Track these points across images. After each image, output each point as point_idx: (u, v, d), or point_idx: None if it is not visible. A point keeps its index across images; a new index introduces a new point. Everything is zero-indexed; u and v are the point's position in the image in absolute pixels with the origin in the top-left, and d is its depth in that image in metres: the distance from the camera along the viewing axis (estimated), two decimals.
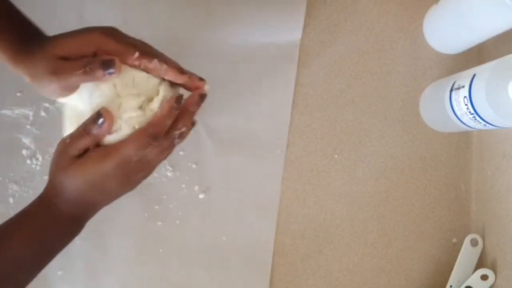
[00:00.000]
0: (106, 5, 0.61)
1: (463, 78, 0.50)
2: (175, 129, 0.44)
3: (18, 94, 0.59)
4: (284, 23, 0.62)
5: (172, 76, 0.44)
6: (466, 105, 0.49)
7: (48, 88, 0.42)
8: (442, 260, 0.61)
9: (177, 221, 0.60)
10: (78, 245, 0.59)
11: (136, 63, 0.43)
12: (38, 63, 0.41)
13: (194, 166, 0.60)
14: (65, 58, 0.41)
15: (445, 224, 0.62)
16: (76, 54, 0.41)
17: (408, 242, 0.61)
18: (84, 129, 0.42)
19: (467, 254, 0.59)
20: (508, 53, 0.47)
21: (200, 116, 0.60)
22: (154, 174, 0.59)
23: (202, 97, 0.46)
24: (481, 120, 0.48)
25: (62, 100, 0.44)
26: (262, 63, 0.61)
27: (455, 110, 0.52)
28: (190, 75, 0.46)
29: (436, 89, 0.59)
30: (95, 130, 0.41)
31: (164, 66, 0.44)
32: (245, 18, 0.61)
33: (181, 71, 0.45)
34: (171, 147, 0.45)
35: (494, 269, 0.56)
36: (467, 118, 0.50)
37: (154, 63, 0.43)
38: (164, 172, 0.60)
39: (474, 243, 0.59)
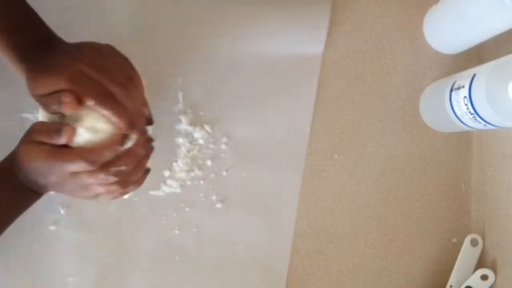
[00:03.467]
0: (125, 9, 0.61)
1: (463, 78, 0.50)
2: (114, 165, 0.47)
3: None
4: (306, 36, 0.61)
5: (120, 129, 0.47)
6: (466, 105, 0.49)
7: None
8: (442, 260, 0.61)
9: (194, 230, 0.60)
10: (93, 251, 0.59)
11: (91, 107, 0.46)
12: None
13: (212, 175, 0.60)
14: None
15: (445, 224, 0.62)
16: (49, 91, 0.46)
17: (408, 242, 0.61)
18: (48, 131, 0.47)
19: (467, 254, 0.59)
20: (508, 53, 0.47)
21: (220, 126, 0.61)
22: (173, 182, 0.59)
23: (149, 140, 0.50)
24: (481, 120, 0.48)
25: None
26: (284, 75, 0.61)
27: (455, 110, 0.52)
28: (140, 131, 0.49)
29: (436, 89, 0.59)
30: (55, 139, 0.47)
31: (113, 119, 0.47)
32: (267, 31, 0.61)
33: (130, 126, 0.47)
34: (107, 181, 0.48)
35: (494, 269, 0.56)
36: (467, 118, 0.50)
37: (105, 113, 0.46)
38: (183, 180, 0.60)
39: (474, 243, 0.59)
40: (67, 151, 0.47)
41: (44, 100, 0.46)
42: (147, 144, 0.50)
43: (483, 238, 0.59)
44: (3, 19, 0.48)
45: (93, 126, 0.47)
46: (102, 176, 0.47)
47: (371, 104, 0.62)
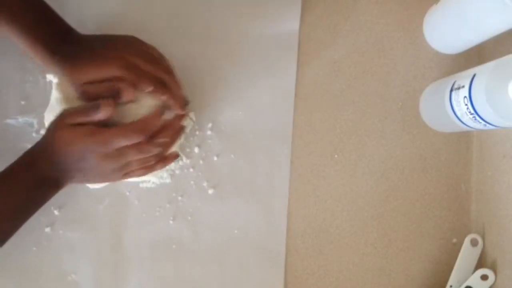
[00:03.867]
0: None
1: (463, 78, 0.50)
2: (157, 137, 0.51)
3: (22, 102, 0.59)
4: (281, 14, 0.62)
5: (173, 110, 0.53)
6: (466, 105, 0.49)
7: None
8: (442, 260, 0.61)
9: (189, 217, 0.60)
10: (91, 248, 0.59)
11: (149, 93, 0.51)
12: (68, 82, 0.50)
13: (201, 162, 0.61)
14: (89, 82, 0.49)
15: (445, 224, 0.61)
16: (97, 80, 0.49)
17: (408, 242, 0.61)
18: (85, 110, 0.48)
19: (467, 254, 0.59)
20: (508, 53, 0.47)
21: (204, 112, 0.61)
22: (163, 173, 0.59)
23: (185, 116, 0.55)
24: (481, 120, 0.48)
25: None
26: (263, 56, 0.62)
27: (455, 110, 0.52)
28: (187, 109, 0.55)
29: (436, 89, 0.59)
30: (93, 115, 0.48)
31: (171, 102, 0.52)
32: (242, 11, 0.62)
33: (183, 108, 0.54)
34: (150, 152, 0.51)
35: (494, 269, 0.56)
36: (467, 118, 0.50)
37: (162, 98, 0.52)
38: (172, 170, 0.60)
39: (474, 243, 0.59)
40: (115, 128, 0.49)
41: (88, 87, 0.49)
42: (183, 118, 0.55)
43: (483, 238, 0.59)
44: (28, 14, 0.49)
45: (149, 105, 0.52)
46: (148, 148, 0.50)
47: (371, 104, 0.62)
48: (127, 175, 0.53)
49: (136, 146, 0.49)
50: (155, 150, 0.52)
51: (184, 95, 0.55)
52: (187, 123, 0.59)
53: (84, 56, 0.49)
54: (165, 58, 0.55)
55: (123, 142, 0.48)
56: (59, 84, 0.55)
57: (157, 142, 0.51)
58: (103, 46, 0.50)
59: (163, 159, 0.55)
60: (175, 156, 0.56)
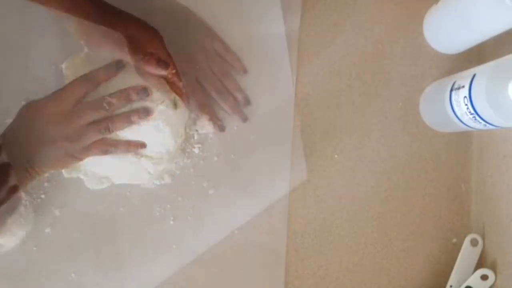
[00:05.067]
0: None
1: (463, 78, 0.50)
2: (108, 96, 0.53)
3: (23, 102, 0.59)
4: (281, 14, 0.62)
5: (181, 99, 0.56)
6: (466, 105, 0.49)
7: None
8: (442, 260, 0.61)
9: (189, 217, 0.60)
10: (91, 248, 0.59)
11: (170, 76, 0.54)
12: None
13: (201, 162, 0.61)
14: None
15: (445, 224, 0.62)
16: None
17: (408, 242, 0.61)
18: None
19: (467, 254, 0.59)
20: (508, 53, 0.47)
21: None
22: (163, 174, 0.59)
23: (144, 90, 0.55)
24: (481, 120, 0.48)
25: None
26: (262, 56, 0.62)
27: (455, 110, 0.52)
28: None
29: (436, 89, 0.59)
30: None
31: (184, 91, 0.55)
32: (242, 11, 0.62)
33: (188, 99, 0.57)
34: (97, 108, 0.52)
35: (494, 269, 0.56)
36: (467, 118, 0.50)
37: (180, 85, 0.55)
38: (173, 170, 0.60)
39: (474, 243, 0.59)
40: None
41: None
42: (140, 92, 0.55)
43: (483, 238, 0.59)
44: None
45: (175, 101, 0.55)
46: (93, 107, 0.52)
47: (371, 104, 0.62)
48: (88, 149, 0.53)
49: (85, 106, 0.51)
50: (104, 106, 0.52)
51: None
52: (163, 104, 0.57)
53: (133, 32, 0.52)
54: None
55: (71, 95, 0.51)
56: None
57: (105, 99, 0.52)
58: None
59: (124, 117, 0.53)
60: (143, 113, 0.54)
